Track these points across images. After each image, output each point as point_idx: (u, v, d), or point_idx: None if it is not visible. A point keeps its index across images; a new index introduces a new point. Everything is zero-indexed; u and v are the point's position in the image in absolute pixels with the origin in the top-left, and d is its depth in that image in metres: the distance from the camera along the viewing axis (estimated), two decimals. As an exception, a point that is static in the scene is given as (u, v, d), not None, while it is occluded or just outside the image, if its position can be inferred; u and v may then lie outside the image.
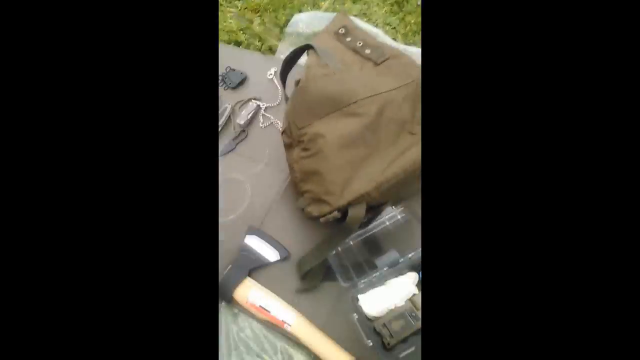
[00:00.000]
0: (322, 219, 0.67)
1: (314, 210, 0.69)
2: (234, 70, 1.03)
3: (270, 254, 0.79)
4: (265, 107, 0.96)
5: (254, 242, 0.80)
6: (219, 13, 1.17)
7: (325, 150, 0.65)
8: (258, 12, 1.19)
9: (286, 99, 0.85)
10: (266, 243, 0.80)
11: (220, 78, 1.02)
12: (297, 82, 0.71)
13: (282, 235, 0.81)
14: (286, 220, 0.82)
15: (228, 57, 1.06)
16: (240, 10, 1.19)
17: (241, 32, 1.11)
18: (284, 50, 1.06)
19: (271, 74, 1.01)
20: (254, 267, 0.78)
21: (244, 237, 0.80)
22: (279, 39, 1.09)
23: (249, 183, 0.87)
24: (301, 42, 1.04)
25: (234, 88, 1.00)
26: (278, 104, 0.97)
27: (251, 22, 1.14)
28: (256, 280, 0.77)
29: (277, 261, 0.79)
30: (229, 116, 0.96)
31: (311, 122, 0.67)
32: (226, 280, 0.76)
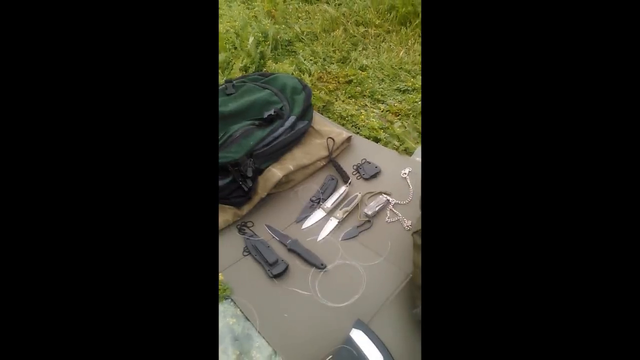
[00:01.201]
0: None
1: (438, 323, 0.64)
2: (369, 162, 1.09)
3: (374, 356, 0.74)
4: (394, 203, 0.98)
5: (360, 339, 0.76)
6: (363, 111, 1.30)
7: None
8: (399, 115, 1.28)
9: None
10: (372, 343, 0.75)
11: (355, 167, 1.09)
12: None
13: (390, 339, 0.75)
14: (397, 324, 0.78)
15: (366, 150, 1.14)
16: (382, 112, 1.30)
17: (381, 130, 1.20)
18: (420, 154, 1.10)
19: (405, 173, 1.05)
20: (355, 365, 0.73)
21: (351, 329, 0.77)
22: (417, 143, 1.14)
23: (365, 274, 0.86)
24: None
25: (366, 179, 1.06)
26: (407, 203, 0.98)
27: (392, 123, 1.23)
28: (354, 381, 0.71)
29: (380, 367, 0.73)
30: (357, 204, 0.99)
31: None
32: (323, 372, 0.72)
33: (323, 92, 1.39)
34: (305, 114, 1.13)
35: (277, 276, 0.86)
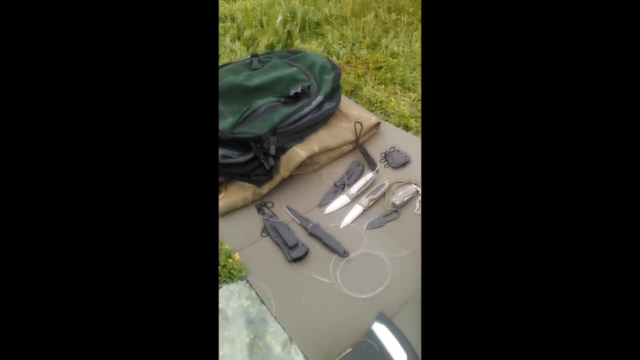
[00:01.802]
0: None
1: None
2: (398, 151, 1.03)
3: (397, 353, 0.68)
4: (424, 194, 0.93)
5: (383, 333, 0.71)
6: (393, 99, 1.24)
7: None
8: (430, 105, 1.21)
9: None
10: (396, 339, 0.70)
11: (383, 155, 1.03)
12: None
13: (415, 338, 0.70)
14: (423, 321, 0.72)
15: (395, 138, 1.08)
16: (413, 100, 1.24)
17: (412, 119, 1.14)
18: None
19: (436, 164, 0.99)
20: (376, 361, 0.68)
21: (373, 322, 0.72)
22: (449, 134, 1.08)
23: (391, 266, 0.80)
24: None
25: (395, 167, 1.00)
26: (438, 195, 0.92)
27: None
28: (375, 378, 0.66)
29: (404, 365, 0.67)
30: (385, 193, 0.94)
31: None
32: (342, 365, 0.67)
33: (352, 75, 1.33)
34: (334, 94, 1.07)
35: (297, 260, 0.81)
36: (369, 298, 0.76)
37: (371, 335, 0.70)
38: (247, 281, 0.78)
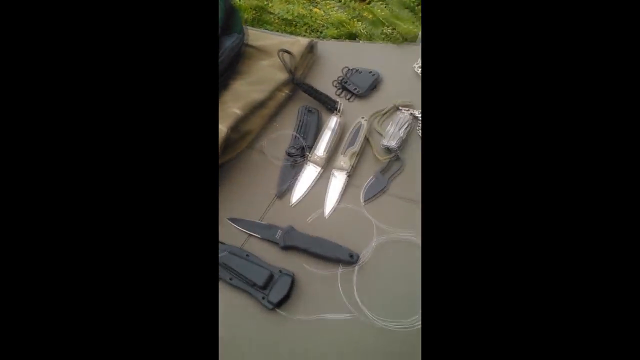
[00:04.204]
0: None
1: None
2: (358, 70, 0.68)
3: None
4: (426, 116, 0.60)
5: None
6: (316, 8, 0.86)
7: None
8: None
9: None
10: None
11: (338, 84, 0.68)
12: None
13: None
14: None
15: (344, 55, 0.72)
16: (343, 2, 0.88)
17: (355, 20, 0.78)
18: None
19: (419, 66, 0.66)
20: None
21: None
22: (414, 23, 0.74)
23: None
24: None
25: (362, 95, 0.66)
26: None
27: (367, 3, 0.82)
28: None
29: None
30: (366, 137, 0.60)
31: None
32: None
33: (246, -2, 0.93)
34: (230, 23, 0.68)
35: (282, 303, 0.47)
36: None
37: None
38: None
